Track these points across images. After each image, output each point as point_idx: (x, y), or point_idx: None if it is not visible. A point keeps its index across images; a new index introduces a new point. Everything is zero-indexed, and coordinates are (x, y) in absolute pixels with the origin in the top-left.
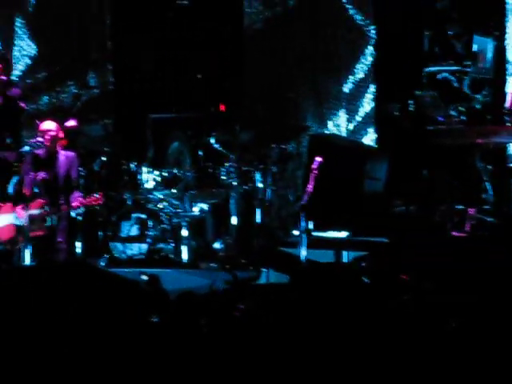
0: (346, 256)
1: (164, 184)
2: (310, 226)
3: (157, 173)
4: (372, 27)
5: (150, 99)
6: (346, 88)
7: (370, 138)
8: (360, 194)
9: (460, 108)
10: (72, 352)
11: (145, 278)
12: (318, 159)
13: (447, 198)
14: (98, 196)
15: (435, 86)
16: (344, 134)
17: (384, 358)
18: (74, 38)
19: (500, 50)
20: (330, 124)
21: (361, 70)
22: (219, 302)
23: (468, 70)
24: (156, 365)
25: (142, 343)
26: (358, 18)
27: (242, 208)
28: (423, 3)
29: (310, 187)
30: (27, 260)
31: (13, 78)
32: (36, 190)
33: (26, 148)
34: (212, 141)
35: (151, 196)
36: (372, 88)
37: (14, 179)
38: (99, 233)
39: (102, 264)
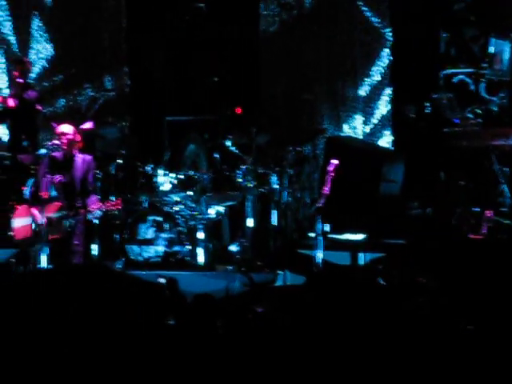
0: (362, 258)
1: (180, 186)
2: (327, 228)
3: (173, 175)
4: (388, 29)
5: (167, 102)
6: (363, 90)
7: (386, 141)
8: (376, 196)
9: (476, 110)
10: (89, 354)
11: (162, 280)
12: (334, 162)
13: (464, 200)
14: (116, 201)
15: (451, 89)
16: (360, 136)
17: (400, 360)
18: (90, 40)
19: None
20: (346, 126)
21: (377, 73)
22: (235, 304)
23: (484, 72)
24: (172, 366)
25: (159, 345)
26: (375, 20)
27: (258, 210)
28: (440, 5)
29: (326, 189)
30: (44, 263)
31: (29, 80)
32: (53, 193)
33: (43, 151)
34: (228, 143)
35: (167, 198)
36: (388, 90)
37: (31, 182)
38: (115, 235)
39: (119, 266)
